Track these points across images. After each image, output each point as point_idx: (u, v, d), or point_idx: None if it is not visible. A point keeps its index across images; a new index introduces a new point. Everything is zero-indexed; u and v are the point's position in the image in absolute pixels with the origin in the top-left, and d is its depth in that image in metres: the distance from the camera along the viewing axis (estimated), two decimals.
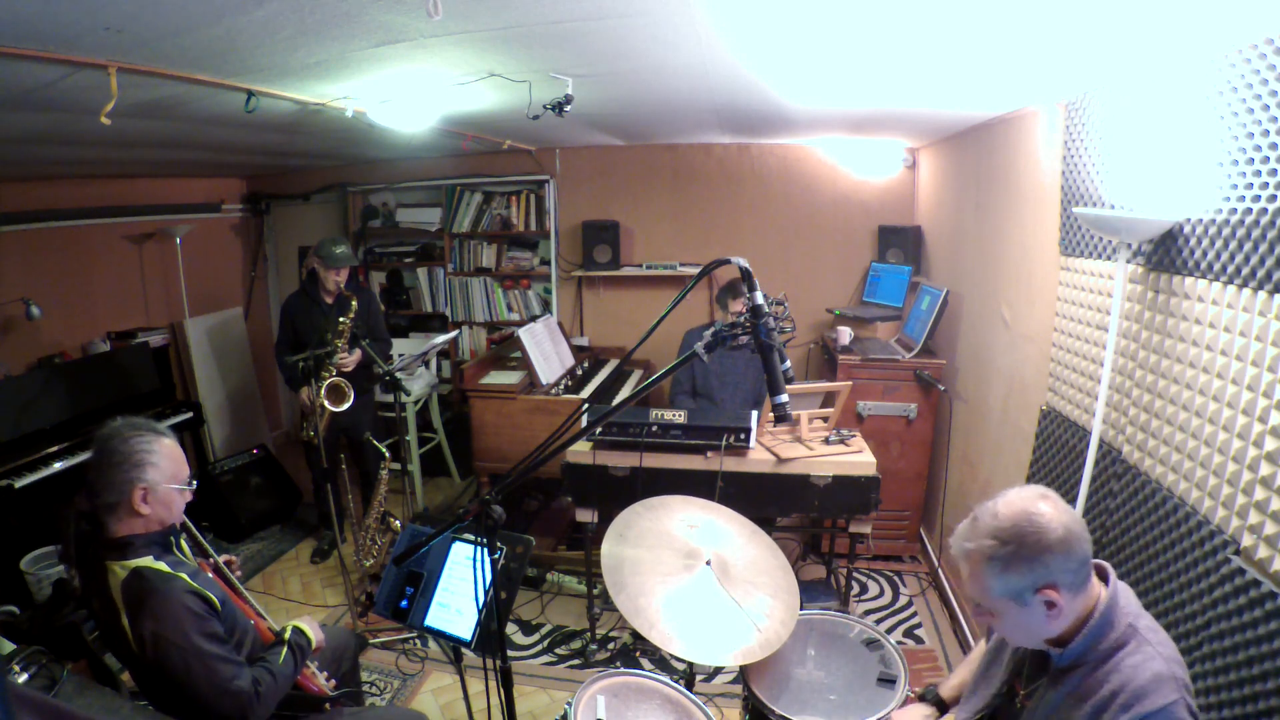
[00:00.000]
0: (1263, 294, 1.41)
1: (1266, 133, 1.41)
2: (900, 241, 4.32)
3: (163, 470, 1.64)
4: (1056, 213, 2.38)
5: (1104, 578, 1.21)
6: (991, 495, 1.21)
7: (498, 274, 5.00)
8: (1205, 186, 1.60)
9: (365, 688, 2.65)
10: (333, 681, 1.96)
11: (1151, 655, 1.12)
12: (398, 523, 3.28)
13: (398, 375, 3.18)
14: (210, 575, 1.78)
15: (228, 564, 1.91)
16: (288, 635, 1.80)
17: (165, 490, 1.64)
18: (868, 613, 3.32)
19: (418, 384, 4.49)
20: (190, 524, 1.82)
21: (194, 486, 1.74)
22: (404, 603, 1.91)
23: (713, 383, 3.60)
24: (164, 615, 1.53)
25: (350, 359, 3.44)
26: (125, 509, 1.60)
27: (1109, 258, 2.04)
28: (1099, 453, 1.99)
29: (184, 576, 1.62)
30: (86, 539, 1.62)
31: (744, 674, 1.77)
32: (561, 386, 3.88)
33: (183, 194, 4.76)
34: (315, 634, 1.87)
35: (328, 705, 1.89)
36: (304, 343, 3.45)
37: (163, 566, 1.60)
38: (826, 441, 2.94)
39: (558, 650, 3.08)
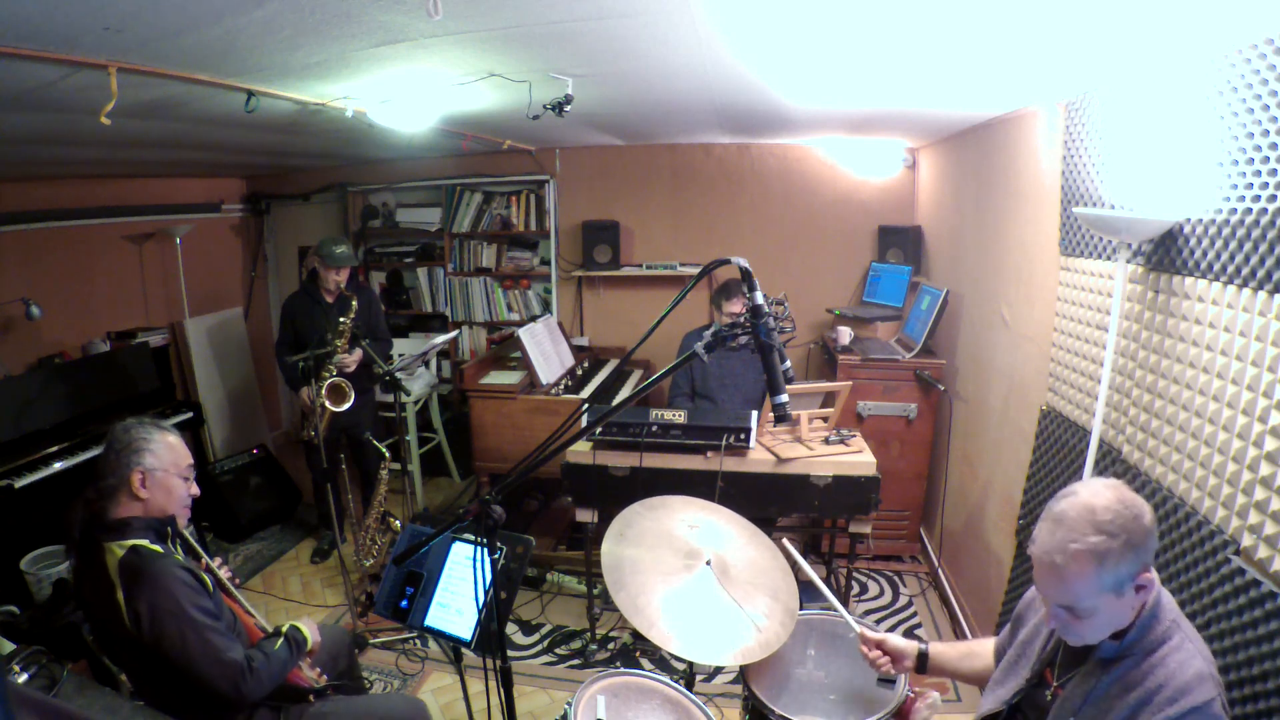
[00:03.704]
0: (1263, 294, 1.41)
1: (1266, 133, 1.41)
2: (900, 241, 4.31)
3: (160, 457, 1.71)
4: (1056, 213, 2.38)
5: None
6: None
7: (498, 274, 5.00)
8: (1205, 186, 1.60)
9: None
10: (325, 677, 1.97)
11: (1194, 654, 1.15)
12: (398, 523, 3.28)
13: (398, 375, 3.18)
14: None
15: (231, 580, 1.93)
16: (285, 629, 1.85)
17: (163, 476, 1.71)
18: (868, 613, 3.32)
19: (418, 384, 4.49)
20: (185, 531, 1.85)
21: (194, 476, 1.81)
22: (404, 603, 1.91)
23: (712, 384, 3.60)
24: (159, 586, 1.59)
25: (350, 359, 3.44)
26: (125, 492, 1.67)
27: (1109, 258, 2.04)
28: (1099, 453, 1.99)
29: (178, 556, 1.70)
30: (87, 525, 1.68)
31: (744, 674, 1.77)
32: (561, 386, 3.87)
33: (183, 194, 4.76)
34: (313, 635, 1.90)
35: (312, 696, 1.90)
36: (304, 343, 3.44)
37: (158, 548, 1.67)
38: (826, 441, 2.93)
39: (558, 650, 3.08)
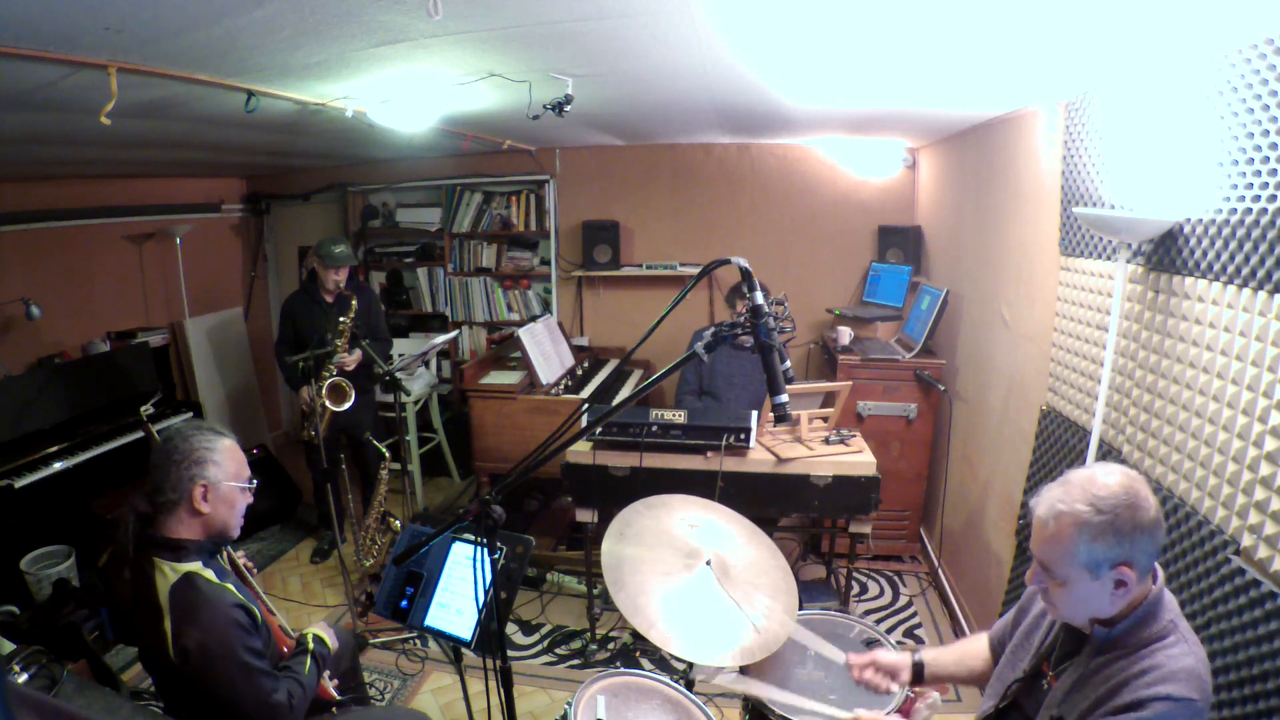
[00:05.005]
0: (1263, 294, 1.41)
1: (1266, 133, 1.41)
2: (900, 241, 4.31)
3: (224, 468, 1.63)
4: (1056, 213, 2.38)
5: (1153, 576, 1.22)
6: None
7: (498, 274, 5.00)
8: (1205, 186, 1.60)
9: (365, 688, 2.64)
10: (335, 681, 1.97)
11: (1189, 652, 1.14)
12: (398, 523, 3.28)
13: (398, 375, 3.18)
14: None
15: (247, 569, 1.89)
16: (310, 645, 1.80)
17: (227, 488, 1.63)
18: (868, 613, 3.32)
19: (418, 384, 4.49)
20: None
21: (254, 486, 1.72)
22: (404, 603, 1.91)
23: (719, 383, 3.60)
24: (213, 628, 1.51)
25: (350, 359, 3.44)
26: (186, 507, 1.59)
27: (1109, 258, 2.04)
28: (1099, 453, 1.99)
29: (231, 588, 1.61)
30: (138, 538, 1.59)
31: (744, 674, 1.77)
32: (561, 386, 3.87)
33: (183, 194, 4.76)
34: (333, 641, 1.89)
35: (335, 709, 1.89)
36: (304, 342, 3.45)
37: (212, 575, 1.59)
38: (826, 441, 2.93)
39: (558, 650, 3.08)
